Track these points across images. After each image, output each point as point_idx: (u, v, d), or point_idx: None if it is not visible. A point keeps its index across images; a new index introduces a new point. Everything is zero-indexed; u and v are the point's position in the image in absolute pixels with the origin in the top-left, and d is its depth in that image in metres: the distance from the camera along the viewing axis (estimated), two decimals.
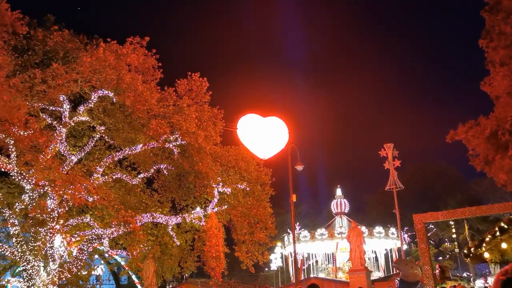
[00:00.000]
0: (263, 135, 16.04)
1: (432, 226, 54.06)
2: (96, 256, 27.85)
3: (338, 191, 48.55)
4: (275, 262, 55.51)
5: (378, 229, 43.10)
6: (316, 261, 49.69)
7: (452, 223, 53.68)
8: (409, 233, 47.05)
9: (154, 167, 22.05)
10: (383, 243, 44.66)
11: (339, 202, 47.61)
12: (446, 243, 60.15)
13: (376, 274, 42.50)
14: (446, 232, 58.03)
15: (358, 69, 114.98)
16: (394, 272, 34.13)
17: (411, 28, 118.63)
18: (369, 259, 44.49)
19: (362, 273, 22.08)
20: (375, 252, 47.22)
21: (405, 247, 43.15)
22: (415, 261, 21.98)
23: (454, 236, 56.37)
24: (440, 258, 58.72)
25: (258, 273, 51.36)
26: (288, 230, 45.83)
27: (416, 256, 48.04)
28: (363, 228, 39.08)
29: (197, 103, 21.46)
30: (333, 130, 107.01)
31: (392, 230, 43.35)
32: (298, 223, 48.45)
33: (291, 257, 41.75)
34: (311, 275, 45.72)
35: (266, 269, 58.19)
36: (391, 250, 46.01)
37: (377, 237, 42.63)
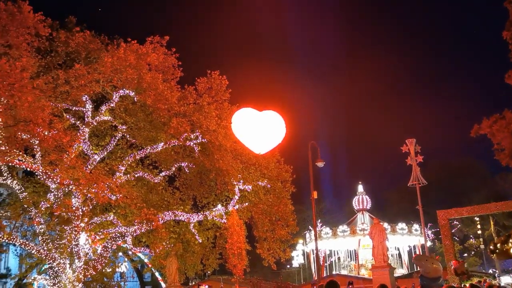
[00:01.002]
0: (259, 129, 15.78)
1: (457, 222, 53.16)
2: (120, 254, 28.26)
3: (360, 188, 48.21)
4: (297, 259, 55.46)
5: (401, 225, 42.63)
6: (339, 258, 49.44)
7: (477, 219, 52.69)
8: (433, 230, 46.41)
9: (176, 165, 22.22)
10: (406, 240, 44.17)
11: (361, 199, 47.26)
12: (471, 240, 59.11)
13: (400, 271, 42.07)
14: (471, 228, 56.99)
15: (378, 61, 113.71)
16: (418, 269, 33.69)
17: (434, 19, 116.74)
18: (392, 256, 44.06)
19: (385, 270, 21.80)
20: (398, 248, 46.76)
21: (429, 243, 42.53)
22: (436, 256, 21.63)
23: (479, 232, 55.36)
24: (465, 254, 57.75)
25: (280, 270, 51.36)
26: (310, 227, 45.69)
27: (440, 253, 47.34)
28: (386, 225, 38.73)
29: (217, 101, 21.57)
30: (353, 125, 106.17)
31: (416, 226, 42.83)
32: (319, 220, 48.29)
33: (313, 254, 41.62)
34: (334, 272, 45.51)
35: (288, 266, 58.14)
36: (414, 246, 45.47)
37: (400, 233, 42.16)
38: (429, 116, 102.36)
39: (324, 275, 41.66)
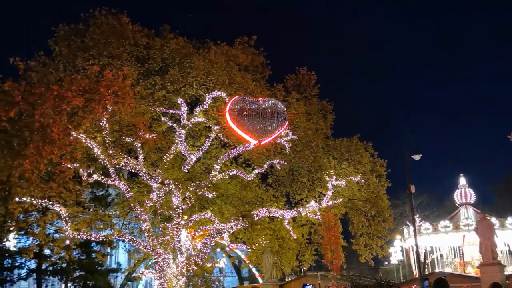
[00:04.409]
0: (258, 117, 15.12)
1: None
2: (218, 250, 29.19)
3: (462, 180, 45.20)
4: (395, 255, 53.50)
5: (511, 220, 39.39)
6: (441, 255, 46.91)
7: None
8: None
9: (267, 163, 22.43)
10: None
11: (464, 192, 44.29)
12: None
13: (511, 269, 38.92)
14: None
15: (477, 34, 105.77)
16: None
17: None
18: (501, 252, 40.87)
19: (495, 268, 20.34)
20: (508, 245, 43.26)
21: None
22: None
23: None
24: None
25: (378, 267, 49.95)
26: (408, 222, 43.87)
27: None
28: (493, 220, 36.01)
29: (306, 97, 21.51)
30: (453, 115, 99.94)
31: None
32: (417, 215, 46.12)
33: (413, 251, 39.95)
34: (436, 270, 43.30)
35: (386, 262, 56.32)
36: None
37: (510, 228, 38.98)
38: None
39: (426, 272, 39.77)
